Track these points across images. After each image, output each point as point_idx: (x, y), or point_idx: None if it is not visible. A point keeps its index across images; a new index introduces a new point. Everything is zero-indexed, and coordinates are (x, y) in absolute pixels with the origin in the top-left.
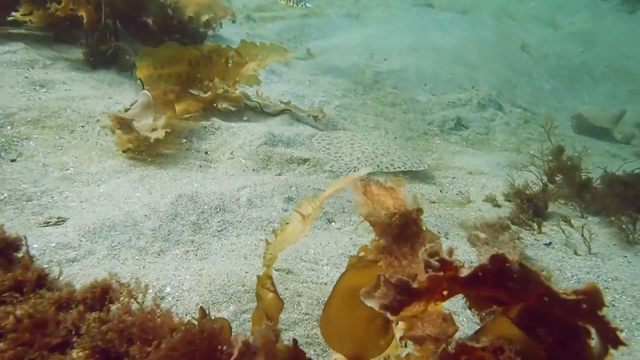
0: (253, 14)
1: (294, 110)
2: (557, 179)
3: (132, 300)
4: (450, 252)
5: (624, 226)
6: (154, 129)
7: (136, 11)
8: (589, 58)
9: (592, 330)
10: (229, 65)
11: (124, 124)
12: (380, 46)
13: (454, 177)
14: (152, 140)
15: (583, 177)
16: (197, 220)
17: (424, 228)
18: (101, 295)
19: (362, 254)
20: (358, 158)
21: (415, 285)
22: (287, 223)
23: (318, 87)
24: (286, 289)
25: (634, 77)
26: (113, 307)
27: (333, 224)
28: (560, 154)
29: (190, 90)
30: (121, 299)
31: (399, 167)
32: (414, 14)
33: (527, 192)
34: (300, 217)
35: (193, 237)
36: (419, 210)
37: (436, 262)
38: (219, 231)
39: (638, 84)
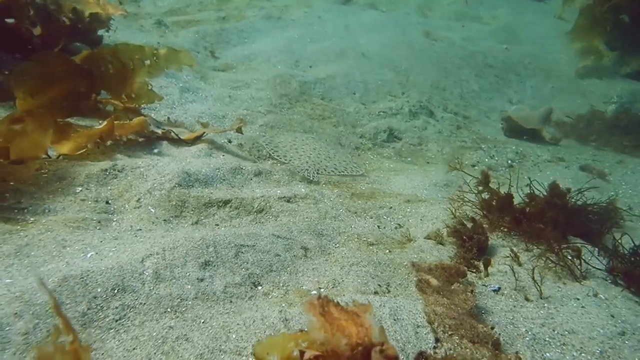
0: (165, 19)
1: (212, 133)
2: (492, 209)
3: None
4: None
5: (569, 260)
6: None
7: (12, 20)
8: (513, 55)
9: None
10: (111, 73)
11: None
12: (305, 52)
13: (390, 207)
14: None
15: (518, 206)
16: (88, 309)
17: None
18: None
19: None
20: (307, 162)
21: None
22: None
23: (240, 103)
24: None
25: (556, 72)
26: None
27: (259, 287)
28: (487, 182)
29: (78, 122)
30: None
31: (342, 172)
32: (338, 14)
33: (467, 228)
34: None
35: (81, 335)
36: (389, 349)
37: None
38: (117, 321)
39: (560, 80)
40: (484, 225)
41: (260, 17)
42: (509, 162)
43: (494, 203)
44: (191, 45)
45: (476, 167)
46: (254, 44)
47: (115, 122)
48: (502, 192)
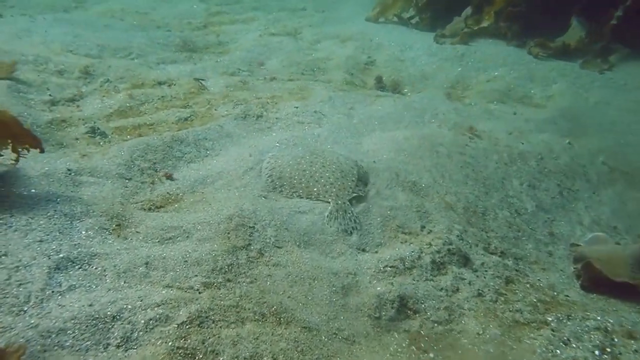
0: (104, 125)
1: None
2: None
3: None
4: None
5: None
6: None
7: None
8: (580, 152)
9: None
10: None
11: None
12: None
13: None
14: None
15: None
16: None
17: None
18: None
19: None
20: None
21: None
22: None
23: (162, 274)
24: None
25: None
26: None
27: None
28: None
29: None
30: None
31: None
32: (340, 105)
33: None
34: None
35: None
36: None
37: None
38: None
39: None
40: None
41: (233, 117)
42: (597, 353)
43: None
44: (122, 170)
45: None
46: (216, 157)
47: None
48: None
